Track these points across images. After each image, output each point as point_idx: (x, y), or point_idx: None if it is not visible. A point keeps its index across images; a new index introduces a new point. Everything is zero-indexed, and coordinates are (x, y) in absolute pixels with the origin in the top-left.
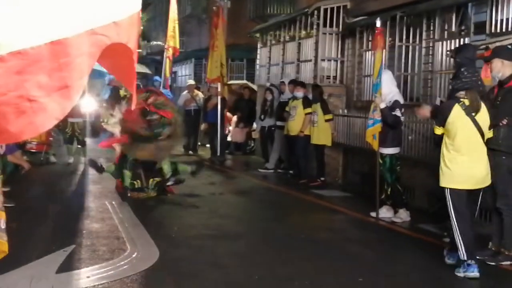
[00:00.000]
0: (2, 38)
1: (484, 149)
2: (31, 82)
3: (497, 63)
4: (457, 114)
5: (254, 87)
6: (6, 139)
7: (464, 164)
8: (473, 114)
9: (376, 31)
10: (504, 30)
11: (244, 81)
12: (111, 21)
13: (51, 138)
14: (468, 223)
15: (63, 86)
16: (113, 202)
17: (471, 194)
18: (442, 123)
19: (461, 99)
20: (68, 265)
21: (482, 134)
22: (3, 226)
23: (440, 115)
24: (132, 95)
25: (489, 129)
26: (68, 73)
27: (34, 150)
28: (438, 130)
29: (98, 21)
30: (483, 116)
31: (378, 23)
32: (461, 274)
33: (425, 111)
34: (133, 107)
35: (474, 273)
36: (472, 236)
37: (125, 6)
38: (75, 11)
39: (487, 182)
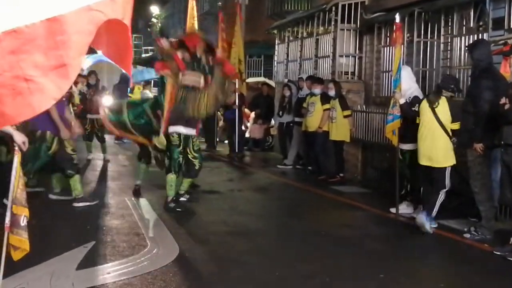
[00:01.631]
0: None
1: (441, 136)
2: (26, 61)
3: None
4: (423, 106)
5: (272, 83)
6: (2, 123)
7: (424, 145)
8: (434, 107)
9: (395, 27)
10: None
11: (262, 78)
12: None
13: None
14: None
15: (60, 65)
16: (133, 199)
17: (430, 171)
18: (417, 113)
19: (429, 96)
20: (88, 262)
21: (442, 125)
22: (23, 224)
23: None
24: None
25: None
26: (65, 51)
27: None
28: (418, 119)
29: None
30: (442, 110)
31: (398, 19)
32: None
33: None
34: (131, 85)
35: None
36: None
37: None
38: None
39: (439, 164)
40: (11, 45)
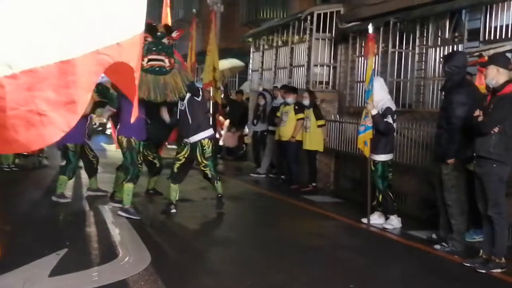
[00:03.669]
0: (16, 58)
1: None
2: (40, 97)
3: (492, 70)
4: None
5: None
6: (16, 149)
7: None
8: None
9: (368, 38)
10: (498, 37)
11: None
12: (115, 42)
13: None
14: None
15: (70, 102)
16: (106, 206)
17: None
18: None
19: None
20: (61, 269)
21: None
22: None
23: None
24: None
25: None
26: (75, 90)
27: (27, 154)
28: None
29: (103, 42)
30: None
31: (370, 30)
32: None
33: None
34: (132, 119)
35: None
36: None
37: (128, 28)
38: (82, 33)
39: None
40: (28, 82)
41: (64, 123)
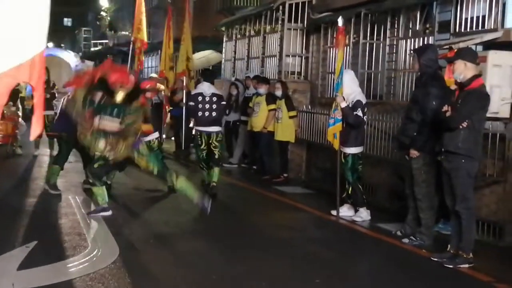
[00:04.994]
0: None
1: None
2: None
3: (460, 64)
4: None
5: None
6: None
7: None
8: None
9: (338, 31)
10: (468, 29)
11: (210, 51)
12: (18, 64)
13: (17, 131)
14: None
15: None
16: (76, 197)
17: None
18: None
19: None
20: (30, 262)
21: None
22: None
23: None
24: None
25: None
26: None
27: (0, 143)
28: None
29: (7, 64)
30: None
31: (340, 23)
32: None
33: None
34: (32, 137)
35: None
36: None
37: (28, 50)
38: None
39: None
40: None
41: None
